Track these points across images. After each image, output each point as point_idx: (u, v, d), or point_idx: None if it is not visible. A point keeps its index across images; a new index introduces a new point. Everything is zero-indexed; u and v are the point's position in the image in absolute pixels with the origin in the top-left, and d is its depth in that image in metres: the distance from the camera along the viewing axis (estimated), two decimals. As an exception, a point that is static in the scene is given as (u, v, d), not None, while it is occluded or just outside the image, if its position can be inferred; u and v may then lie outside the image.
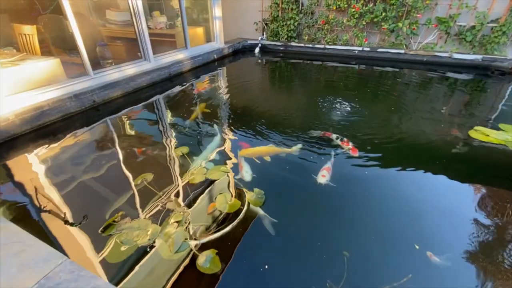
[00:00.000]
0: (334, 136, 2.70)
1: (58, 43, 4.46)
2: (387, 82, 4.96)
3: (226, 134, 2.95)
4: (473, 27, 5.49)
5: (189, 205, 1.90)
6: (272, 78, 5.33)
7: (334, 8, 6.26)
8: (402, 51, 5.70)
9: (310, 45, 6.42)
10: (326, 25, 6.55)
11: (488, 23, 5.33)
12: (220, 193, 1.97)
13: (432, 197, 2.08)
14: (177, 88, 4.39)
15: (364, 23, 6.08)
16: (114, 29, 5.12)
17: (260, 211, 1.82)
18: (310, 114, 3.49)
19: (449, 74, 5.16)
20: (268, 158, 2.41)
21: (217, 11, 5.67)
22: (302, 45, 6.49)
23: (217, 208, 1.82)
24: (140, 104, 3.76)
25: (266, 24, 7.39)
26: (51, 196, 2.05)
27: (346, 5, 6.11)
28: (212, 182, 2.13)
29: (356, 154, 2.38)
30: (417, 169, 2.34)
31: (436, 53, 5.49)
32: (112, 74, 3.81)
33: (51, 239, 1.69)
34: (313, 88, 4.73)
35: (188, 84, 4.66)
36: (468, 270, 1.51)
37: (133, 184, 2.13)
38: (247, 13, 7.54)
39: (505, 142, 2.64)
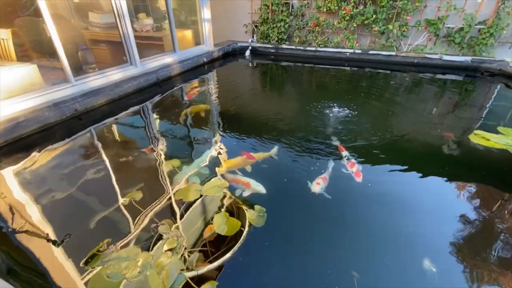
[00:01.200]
0: (345, 152, 2.50)
1: (36, 48, 4.16)
2: (380, 84, 4.92)
3: (220, 144, 2.78)
4: (461, 29, 5.54)
5: (183, 228, 1.72)
6: (264, 82, 5.20)
7: (325, 10, 6.20)
8: (393, 53, 5.69)
9: (302, 48, 6.33)
10: (317, 27, 6.49)
11: (476, 25, 5.40)
12: (217, 213, 1.79)
13: (433, 200, 1.99)
14: (166, 94, 4.18)
15: (355, 25, 6.05)
16: (98, 32, 4.85)
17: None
18: (307, 118, 3.37)
19: (440, 76, 5.19)
20: (249, 168, 2.28)
21: (206, 13, 5.49)
22: (294, 47, 6.39)
23: (215, 231, 1.65)
24: (126, 112, 3.53)
25: (256, 26, 7.26)
26: (28, 216, 1.83)
27: (336, 7, 6.06)
28: (207, 199, 1.96)
29: (359, 179, 2.15)
30: (419, 174, 2.26)
31: (427, 55, 5.51)
32: (96, 80, 3.56)
33: (22, 268, 1.48)
34: (307, 92, 4.63)
35: (177, 89, 4.46)
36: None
37: (120, 202, 1.93)
38: (236, 15, 7.39)
39: (506, 146, 2.59)
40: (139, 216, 1.80)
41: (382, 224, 1.81)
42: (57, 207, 1.98)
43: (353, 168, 2.22)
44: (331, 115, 3.38)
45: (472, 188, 2.15)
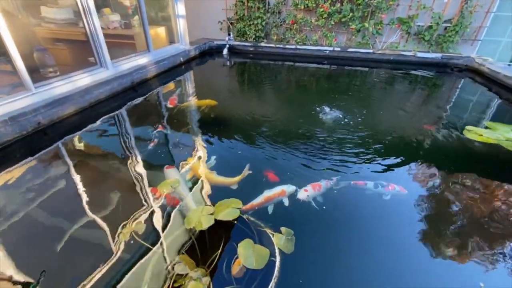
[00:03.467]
0: (370, 184, 2.13)
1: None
2: (363, 81, 4.98)
3: (201, 150, 2.52)
4: (430, 27, 5.83)
5: (205, 265, 1.46)
6: (246, 82, 4.96)
7: (302, 7, 6.12)
8: (371, 51, 5.81)
9: (281, 46, 6.20)
10: (295, 25, 6.39)
11: (442, 23, 5.71)
12: (240, 243, 1.55)
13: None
14: (143, 98, 3.76)
15: (333, 23, 6.07)
16: (54, 30, 4.20)
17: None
18: (298, 121, 3.23)
19: (414, 72, 5.41)
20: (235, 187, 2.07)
21: (180, 8, 5.07)
22: (273, 45, 6.24)
23: (243, 265, 1.41)
24: (99, 121, 3.07)
25: (231, 23, 6.95)
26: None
27: (314, 5, 6.01)
28: (224, 225, 1.71)
29: (405, 192, 2.02)
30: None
31: (402, 52, 5.71)
32: (61, 87, 3.04)
33: None
34: (293, 92, 4.49)
35: (155, 92, 4.04)
36: None
37: (110, 236, 1.59)
38: (210, 11, 7.00)
39: (498, 141, 2.70)
40: (148, 261, 1.49)
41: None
42: (24, 240, 1.60)
43: (396, 188, 2.04)
44: (323, 117, 3.29)
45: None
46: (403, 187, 2.06)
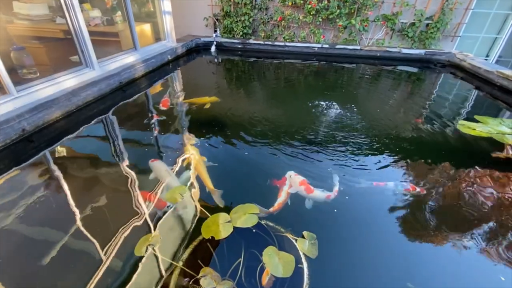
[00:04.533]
0: (390, 184, 2.12)
1: None
2: (350, 77, 5.06)
3: (193, 149, 2.44)
4: (413, 23, 6.03)
5: (226, 275, 1.39)
6: (237, 80, 4.87)
7: (290, 4, 6.09)
8: (358, 47, 5.90)
9: (270, 43, 6.14)
10: (283, 21, 6.35)
11: (425, 20, 5.92)
12: (264, 250, 1.49)
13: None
14: (134, 100, 3.57)
15: (320, 19, 6.09)
16: (29, 27, 3.87)
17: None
18: (295, 118, 3.21)
19: (401, 68, 5.57)
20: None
21: (166, 4, 4.86)
22: (262, 42, 6.16)
23: (272, 274, 1.37)
24: (89, 125, 2.88)
25: (217, 19, 6.79)
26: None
27: (302, 1, 5.99)
28: (240, 232, 1.64)
29: (425, 192, 2.03)
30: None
31: (387, 49, 5.85)
32: (45, 89, 2.81)
33: None
34: (285, 89, 4.46)
35: (145, 93, 3.86)
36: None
37: (135, 252, 1.48)
38: (194, 7, 6.79)
39: (490, 134, 2.83)
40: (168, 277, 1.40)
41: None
42: (11, 255, 1.45)
43: (417, 188, 2.05)
44: (318, 115, 3.29)
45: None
46: (420, 187, 2.08)
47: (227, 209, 1.79)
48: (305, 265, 1.43)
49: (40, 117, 2.63)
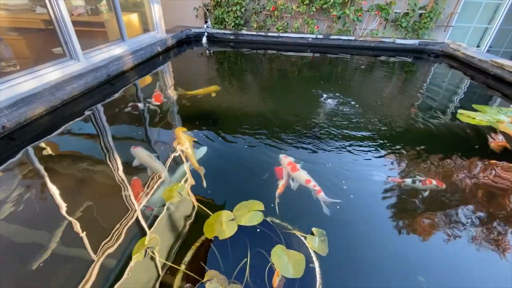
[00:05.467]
0: (407, 180, 2.03)
1: None
2: (345, 68, 4.98)
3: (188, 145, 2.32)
4: (407, 13, 5.98)
5: (231, 277, 1.30)
6: (229, 72, 4.71)
7: (283, -7, 5.93)
8: (353, 38, 5.82)
9: (263, 34, 5.98)
10: (276, 11, 6.19)
11: (418, 9, 5.87)
12: (272, 250, 1.40)
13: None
14: (122, 93, 3.38)
15: (314, 9, 5.97)
16: (7, 17, 3.59)
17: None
18: (291, 110, 3.12)
19: (394, 59, 5.53)
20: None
21: (155, -7, 4.63)
22: (255, 33, 5.99)
23: (283, 275, 1.28)
24: (74, 121, 2.70)
25: (208, 10, 6.56)
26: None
27: (295, -10, 5.84)
28: (244, 230, 1.55)
29: (443, 186, 1.95)
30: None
31: (382, 39, 5.79)
32: (26, 82, 2.60)
33: None
34: (280, 81, 4.34)
35: (134, 86, 3.67)
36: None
37: (132, 255, 1.37)
38: (184, -4, 6.54)
39: (490, 123, 2.81)
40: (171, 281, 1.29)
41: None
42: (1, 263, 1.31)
43: (433, 182, 1.97)
44: (316, 106, 3.21)
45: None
46: (440, 181, 2.02)
47: (226, 206, 1.70)
48: (316, 264, 1.35)
49: (21, 113, 2.44)
